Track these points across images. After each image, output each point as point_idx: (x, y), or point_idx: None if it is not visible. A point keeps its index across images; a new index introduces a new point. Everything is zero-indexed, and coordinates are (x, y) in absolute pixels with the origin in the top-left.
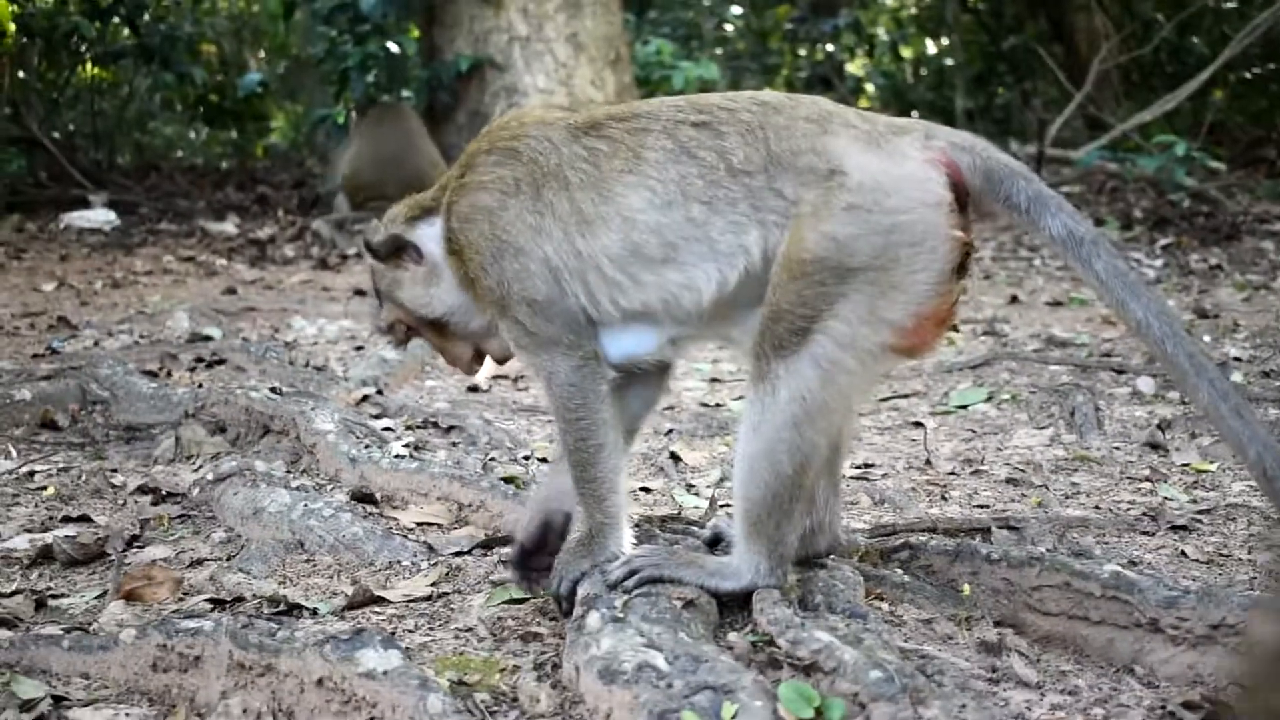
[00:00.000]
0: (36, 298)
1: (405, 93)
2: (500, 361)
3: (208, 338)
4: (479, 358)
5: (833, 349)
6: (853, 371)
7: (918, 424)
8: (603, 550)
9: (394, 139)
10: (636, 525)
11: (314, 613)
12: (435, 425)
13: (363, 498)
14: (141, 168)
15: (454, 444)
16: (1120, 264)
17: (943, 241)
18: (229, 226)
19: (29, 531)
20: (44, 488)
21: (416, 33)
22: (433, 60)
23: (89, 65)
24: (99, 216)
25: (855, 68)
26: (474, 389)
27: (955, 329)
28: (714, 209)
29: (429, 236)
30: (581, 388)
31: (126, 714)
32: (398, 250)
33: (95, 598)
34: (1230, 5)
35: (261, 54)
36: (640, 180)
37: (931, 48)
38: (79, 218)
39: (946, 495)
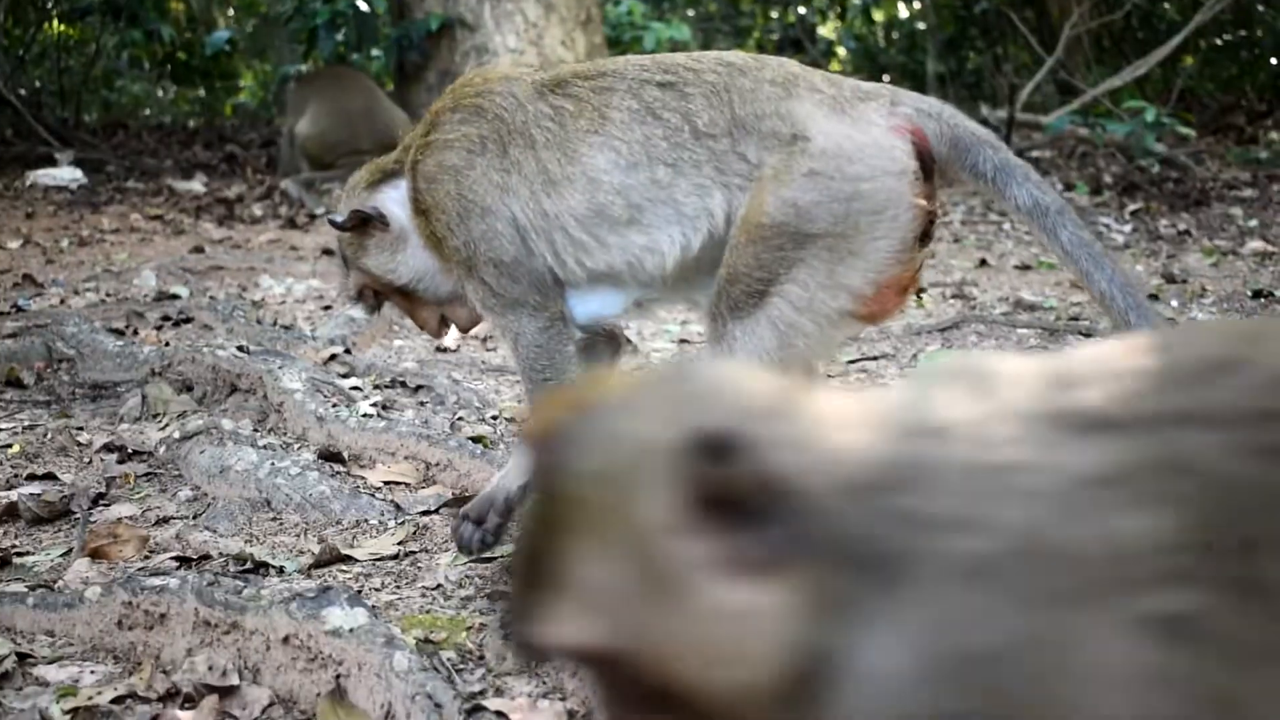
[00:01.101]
0: (1, 255)
1: (374, 51)
2: (465, 329)
3: (175, 296)
4: (446, 322)
5: (789, 312)
6: (809, 335)
7: (886, 387)
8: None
9: (358, 95)
10: None
11: (280, 571)
12: (403, 384)
13: (330, 456)
14: (108, 126)
15: (422, 403)
16: (1085, 234)
17: (905, 210)
18: (196, 185)
19: None
20: (9, 446)
21: None
22: (402, 19)
23: (55, 22)
24: (65, 174)
25: (827, 30)
26: (442, 349)
27: (922, 291)
28: (678, 171)
29: (393, 200)
30: (548, 348)
31: (91, 671)
32: (363, 221)
33: (60, 555)
34: None
35: (230, 11)
36: (605, 140)
37: (904, 11)
38: (45, 175)
39: None
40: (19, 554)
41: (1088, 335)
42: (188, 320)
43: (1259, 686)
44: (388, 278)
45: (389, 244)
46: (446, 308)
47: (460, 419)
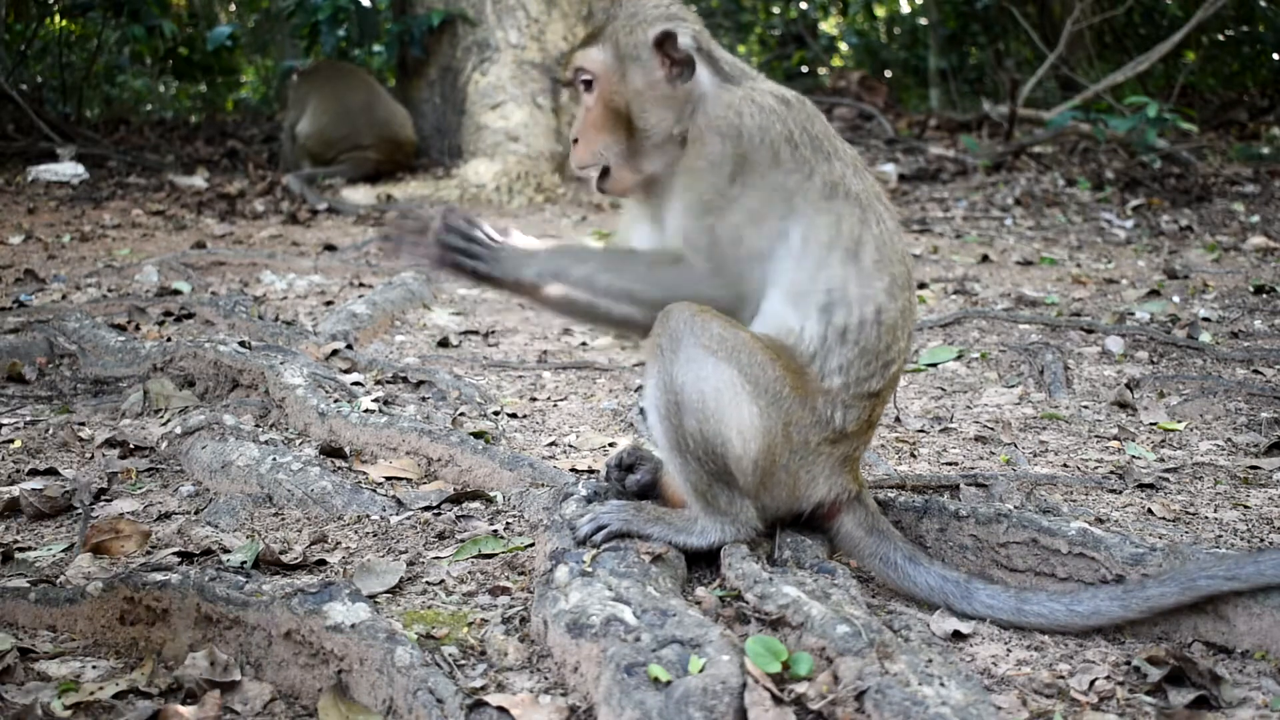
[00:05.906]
0: (3, 251)
1: (376, 47)
2: (602, 189)
3: (176, 291)
4: (598, 163)
5: None
6: None
7: None
8: (506, 256)
9: (358, 90)
10: (593, 473)
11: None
12: (405, 380)
13: (331, 452)
14: (110, 121)
15: (423, 399)
16: None
17: None
18: (198, 180)
19: None
20: (11, 441)
21: None
22: (404, 14)
23: (57, 17)
24: (67, 170)
25: (829, 26)
26: (443, 344)
27: (924, 285)
28: None
29: (705, 75)
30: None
31: (93, 666)
32: (679, 62)
33: (62, 551)
34: None
35: (231, 7)
36: None
37: (905, 6)
38: (46, 171)
39: (915, 452)
40: (21, 549)
41: (1089, 331)
42: (189, 316)
43: None
44: (627, 105)
45: (665, 91)
46: (623, 160)
47: (462, 415)
